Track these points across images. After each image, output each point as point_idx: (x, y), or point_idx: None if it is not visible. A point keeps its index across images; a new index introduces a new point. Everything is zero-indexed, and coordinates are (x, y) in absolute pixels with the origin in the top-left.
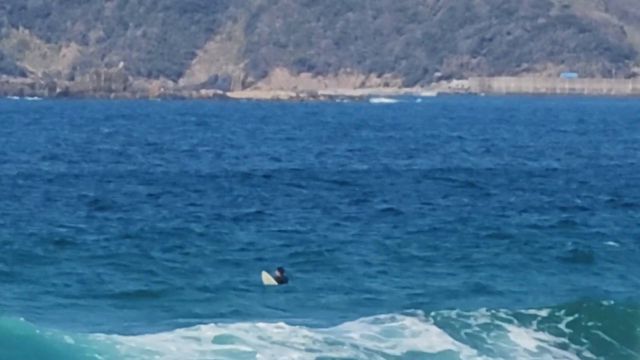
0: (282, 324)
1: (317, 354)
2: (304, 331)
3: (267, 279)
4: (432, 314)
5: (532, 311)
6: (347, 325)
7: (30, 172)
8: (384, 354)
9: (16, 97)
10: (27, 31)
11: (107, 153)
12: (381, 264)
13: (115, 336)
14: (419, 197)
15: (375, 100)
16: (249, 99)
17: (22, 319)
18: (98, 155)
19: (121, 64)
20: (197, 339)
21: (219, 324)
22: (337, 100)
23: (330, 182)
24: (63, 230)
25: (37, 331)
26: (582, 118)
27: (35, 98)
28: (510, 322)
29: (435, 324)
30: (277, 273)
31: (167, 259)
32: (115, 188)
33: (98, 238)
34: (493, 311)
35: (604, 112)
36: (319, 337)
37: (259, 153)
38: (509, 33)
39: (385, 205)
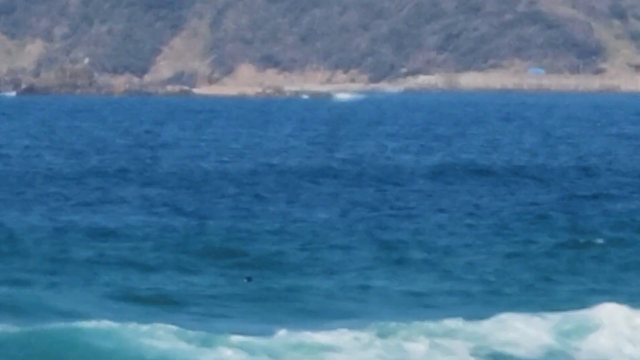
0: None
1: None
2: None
3: None
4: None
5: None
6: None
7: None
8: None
9: None
10: None
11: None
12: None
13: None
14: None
15: (339, 97)
16: (214, 95)
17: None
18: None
19: (86, 60)
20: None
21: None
22: (303, 97)
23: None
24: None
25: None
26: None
27: (14, 94)
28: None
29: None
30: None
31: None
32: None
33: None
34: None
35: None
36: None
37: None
38: (475, 29)
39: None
